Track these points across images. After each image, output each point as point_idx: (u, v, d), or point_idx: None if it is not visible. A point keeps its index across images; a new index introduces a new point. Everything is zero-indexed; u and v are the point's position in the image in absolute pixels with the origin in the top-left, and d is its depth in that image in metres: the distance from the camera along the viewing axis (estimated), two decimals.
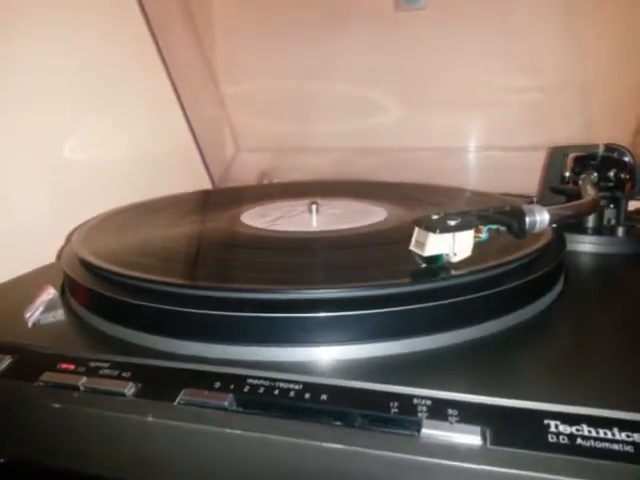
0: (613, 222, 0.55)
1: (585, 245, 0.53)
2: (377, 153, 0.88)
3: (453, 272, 0.35)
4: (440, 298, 0.33)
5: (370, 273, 0.37)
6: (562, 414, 0.26)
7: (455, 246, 0.35)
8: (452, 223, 0.35)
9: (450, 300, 0.33)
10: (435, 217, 0.36)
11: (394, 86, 0.84)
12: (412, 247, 0.36)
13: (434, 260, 0.36)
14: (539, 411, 0.27)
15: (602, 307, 0.39)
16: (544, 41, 0.76)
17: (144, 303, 0.33)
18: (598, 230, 0.55)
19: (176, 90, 0.81)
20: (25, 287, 0.45)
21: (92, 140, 0.66)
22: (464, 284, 0.35)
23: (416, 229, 0.36)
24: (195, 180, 0.88)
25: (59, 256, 0.55)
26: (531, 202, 0.70)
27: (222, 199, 0.66)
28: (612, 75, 0.73)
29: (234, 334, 0.32)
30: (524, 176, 0.79)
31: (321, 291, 0.33)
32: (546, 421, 0.26)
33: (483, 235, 0.37)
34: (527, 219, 0.37)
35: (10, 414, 0.31)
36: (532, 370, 0.31)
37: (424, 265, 0.36)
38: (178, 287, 0.34)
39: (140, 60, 0.75)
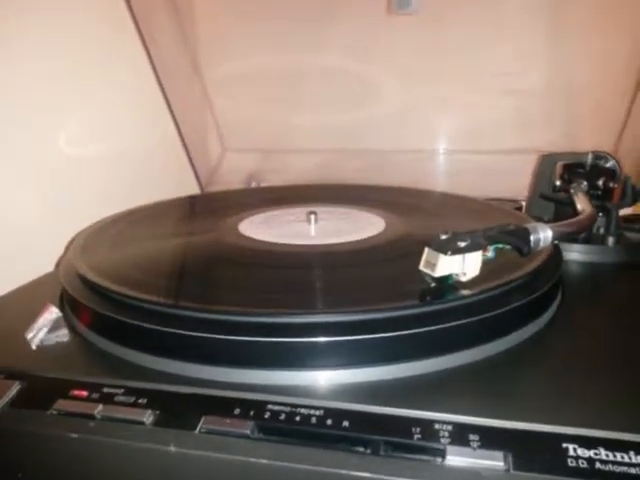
0: (602, 231, 0.56)
1: (574, 254, 0.54)
2: (363, 154, 0.88)
3: (465, 292, 0.35)
4: (452, 319, 0.33)
5: (383, 294, 0.37)
6: (579, 437, 0.27)
7: (464, 266, 0.36)
8: (462, 244, 0.35)
9: (462, 321, 0.34)
10: (444, 237, 0.37)
11: (380, 86, 0.84)
12: (422, 267, 0.37)
13: (444, 280, 0.36)
14: (556, 434, 0.27)
15: (604, 321, 0.40)
16: (530, 45, 0.77)
17: (159, 327, 0.33)
18: (587, 239, 0.56)
19: (162, 88, 0.79)
20: (23, 302, 0.45)
21: (77, 137, 0.65)
22: (475, 304, 0.35)
23: (426, 249, 0.37)
24: (182, 178, 0.87)
25: (57, 264, 0.54)
26: (519, 208, 0.71)
27: (216, 205, 0.65)
28: (596, 80, 0.75)
29: (249, 358, 0.32)
30: (508, 179, 0.81)
31: (337, 315, 0.33)
32: (564, 444, 0.27)
33: (490, 254, 0.38)
34: (532, 237, 0.38)
35: (22, 444, 0.31)
36: (543, 390, 0.32)
37: (434, 285, 0.36)
38: (193, 311, 0.33)
39: (124, 54, 0.73)
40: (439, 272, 0.36)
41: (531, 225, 0.39)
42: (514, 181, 0.80)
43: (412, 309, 0.34)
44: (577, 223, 0.42)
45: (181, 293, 0.38)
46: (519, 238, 0.38)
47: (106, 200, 0.67)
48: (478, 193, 0.75)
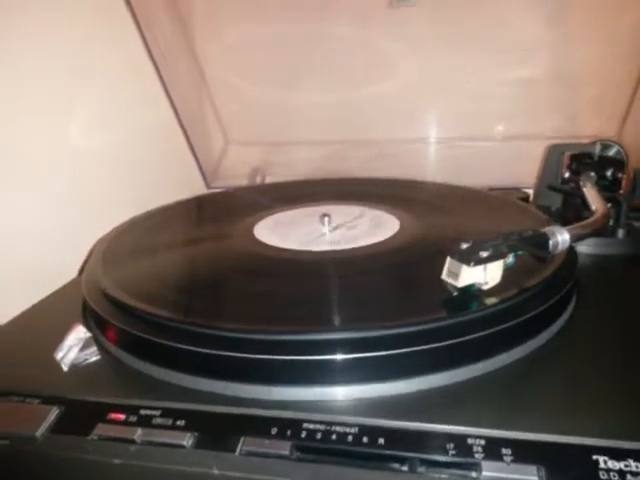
0: (611, 223, 0.56)
1: (584, 246, 0.53)
2: (366, 145, 0.88)
3: (491, 300, 0.36)
4: (480, 329, 0.34)
5: (410, 306, 0.38)
6: (608, 449, 0.28)
7: (487, 275, 0.37)
8: (484, 254, 0.36)
9: (489, 330, 0.34)
10: (465, 246, 0.37)
11: (383, 73, 0.84)
12: (444, 277, 0.37)
13: (467, 289, 0.37)
14: (586, 446, 0.28)
15: (622, 319, 0.40)
16: (533, 32, 0.76)
17: (194, 348, 0.33)
18: None
19: (163, 83, 0.78)
20: (48, 315, 0.45)
21: (80, 134, 0.64)
22: (500, 312, 0.36)
23: (448, 259, 0.37)
24: (186, 173, 0.86)
25: (80, 272, 0.54)
26: (526, 198, 0.72)
27: (230, 206, 0.65)
28: (600, 67, 0.75)
29: (283, 375, 0.33)
30: (511, 166, 0.81)
31: (368, 331, 0.33)
32: (595, 457, 0.28)
33: (510, 259, 0.38)
34: (550, 242, 0.39)
35: (64, 470, 0.31)
36: (568, 399, 0.32)
37: (457, 294, 0.37)
38: (232, 332, 0.34)
39: (123, 49, 0.72)
40: (462, 282, 0.36)
41: (549, 230, 0.39)
42: (517, 168, 0.80)
43: (443, 321, 0.34)
44: (592, 224, 0.43)
45: (214, 311, 0.38)
46: (539, 245, 0.38)
47: (112, 199, 0.67)
48: (481, 181, 0.76)
